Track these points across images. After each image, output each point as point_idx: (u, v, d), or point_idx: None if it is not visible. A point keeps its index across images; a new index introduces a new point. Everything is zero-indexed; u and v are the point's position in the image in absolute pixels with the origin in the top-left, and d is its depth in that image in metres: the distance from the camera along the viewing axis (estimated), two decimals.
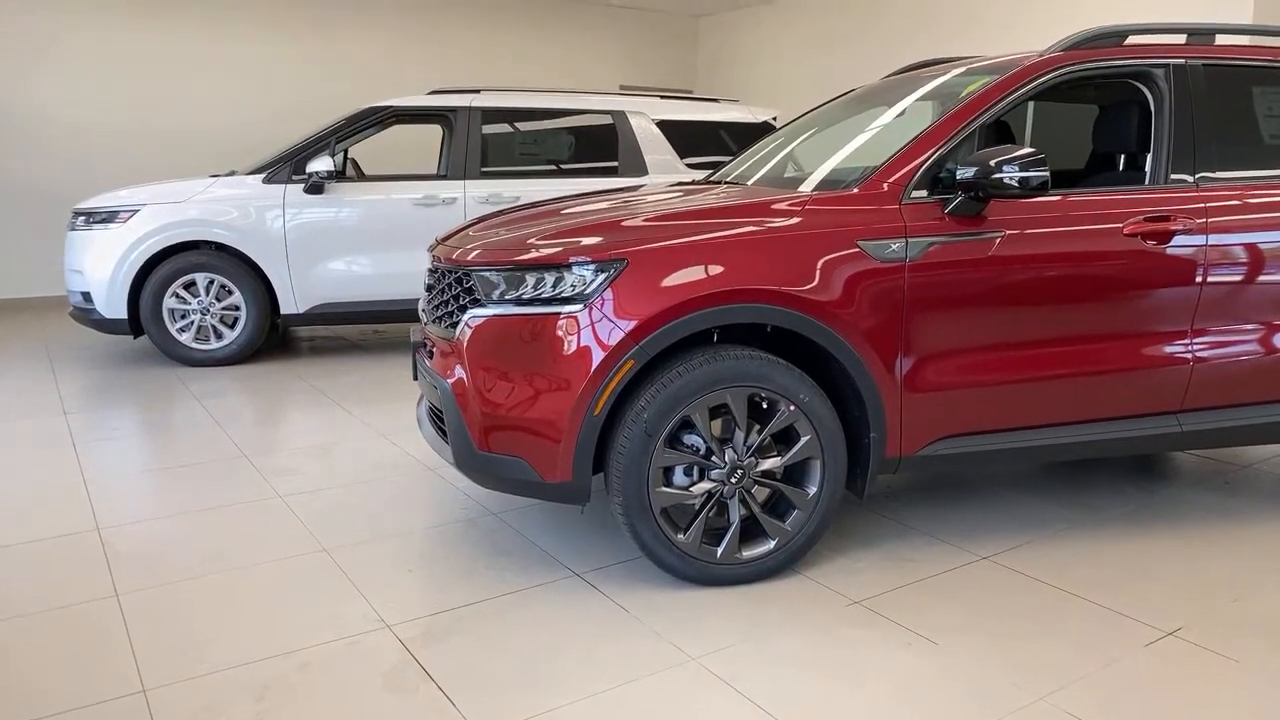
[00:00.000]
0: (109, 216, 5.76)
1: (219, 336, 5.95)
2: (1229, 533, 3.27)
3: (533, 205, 3.52)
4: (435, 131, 8.14)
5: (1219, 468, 4.00)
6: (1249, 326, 3.16)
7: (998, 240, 2.86)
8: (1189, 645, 2.49)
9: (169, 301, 5.81)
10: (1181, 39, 3.27)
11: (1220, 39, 3.37)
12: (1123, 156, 3.94)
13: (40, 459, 4.02)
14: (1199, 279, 3.06)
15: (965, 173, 2.78)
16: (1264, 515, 3.43)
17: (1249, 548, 3.14)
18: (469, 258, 2.83)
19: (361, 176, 6.38)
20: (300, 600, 2.72)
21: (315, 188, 5.90)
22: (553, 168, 6.78)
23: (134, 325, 5.83)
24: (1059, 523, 3.34)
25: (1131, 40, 3.20)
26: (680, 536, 2.72)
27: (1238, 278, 3.12)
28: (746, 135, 7.02)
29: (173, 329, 5.84)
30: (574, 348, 2.60)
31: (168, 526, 3.28)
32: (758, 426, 2.74)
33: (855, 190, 2.85)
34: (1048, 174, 2.75)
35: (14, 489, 3.65)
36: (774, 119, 7.30)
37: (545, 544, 3.14)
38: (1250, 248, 3.11)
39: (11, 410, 4.83)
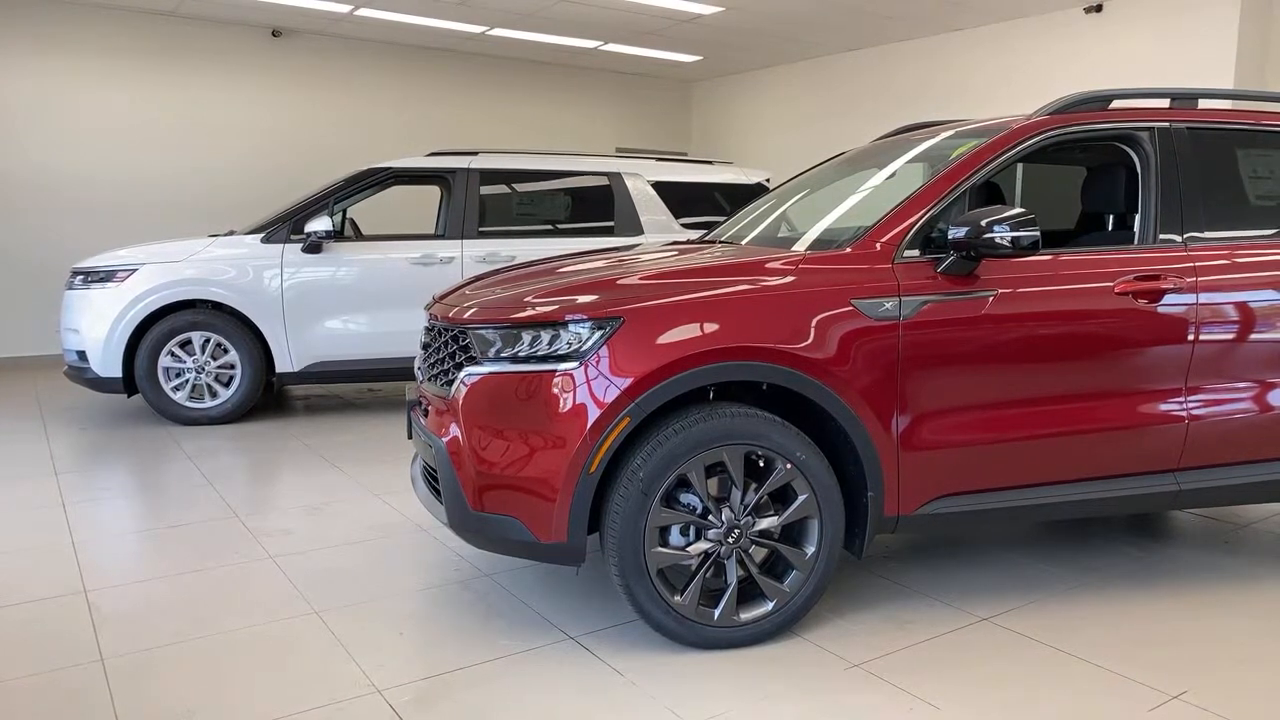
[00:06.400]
0: (107, 276, 5.79)
1: (213, 395, 5.94)
2: (1231, 593, 3.23)
3: (529, 264, 3.55)
4: (433, 192, 8.26)
5: (1218, 527, 3.98)
6: (1243, 384, 3.17)
7: (990, 299, 2.88)
8: (1195, 709, 2.44)
9: (164, 360, 5.81)
10: (1165, 103, 3.35)
11: (1203, 103, 3.44)
12: (1111, 217, 4.00)
13: (29, 520, 3.98)
14: (1191, 337, 3.08)
15: (957, 232, 2.81)
16: (1265, 575, 3.40)
17: (1252, 608, 3.10)
18: (465, 316, 2.85)
19: (360, 236, 6.44)
20: (290, 664, 2.67)
21: (313, 247, 5.95)
22: (549, 228, 6.85)
23: (128, 384, 5.82)
24: (1058, 583, 3.30)
25: (1116, 104, 3.28)
26: (677, 598, 2.68)
27: (1230, 336, 3.14)
28: (740, 196, 7.12)
29: (167, 387, 5.83)
30: (569, 405, 2.60)
31: (156, 588, 3.23)
32: (755, 485, 2.72)
33: (848, 250, 2.89)
34: (1038, 234, 2.79)
35: (1, 550, 3.60)
36: (767, 180, 7.42)
37: (539, 606, 3.09)
38: (1241, 306, 3.14)
39: (2, 470, 4.79)
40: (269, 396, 6.83)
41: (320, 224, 5.90)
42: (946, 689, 2.53)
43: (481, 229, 6.41)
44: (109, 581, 3.28)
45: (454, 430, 2.76)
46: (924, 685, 2.55)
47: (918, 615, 3.02)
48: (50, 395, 6.98)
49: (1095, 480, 3.07)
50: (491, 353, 2.73)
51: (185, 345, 5.86)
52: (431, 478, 3.01)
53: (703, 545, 2.69)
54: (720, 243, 3.61)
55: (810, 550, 2.77)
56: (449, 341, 2.93)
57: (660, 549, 2.66)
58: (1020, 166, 7.18)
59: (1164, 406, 3.09)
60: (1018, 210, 2.79)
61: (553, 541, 2.63)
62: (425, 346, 3.17)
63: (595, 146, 11.61)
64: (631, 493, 2.59)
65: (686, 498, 2.70)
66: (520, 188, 6.93)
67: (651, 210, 6.78)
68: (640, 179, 6.84)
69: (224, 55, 9.32)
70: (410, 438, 3.33)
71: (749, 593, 2.77)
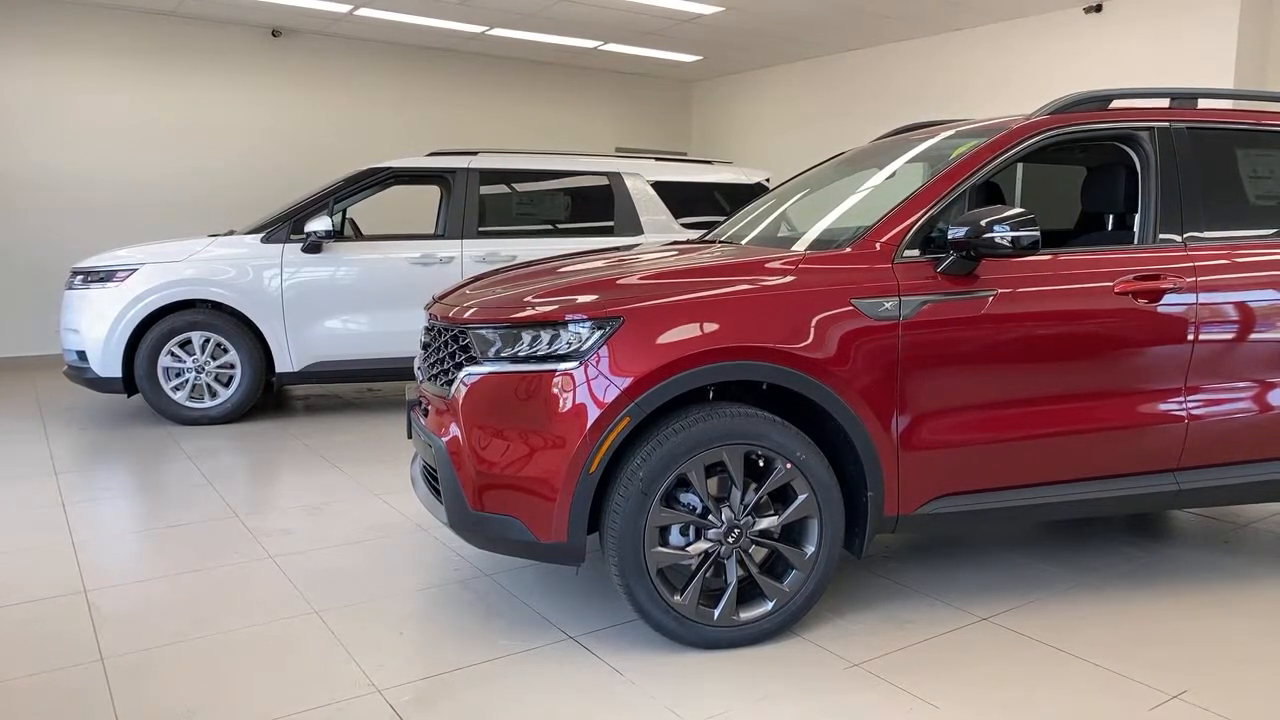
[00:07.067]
0: (107, 276, 5.79)
1: (213, 395, 5.94)
2: (1231, 592, 3.23)
3: (529, 264, 3.55)
4: (433, 191, 8.26)
5: (1218, 526, 3.98)
6: (1243, 384, 3.17)
7: (990, 299, 2.88)
8: (1195, 709, 2.44)
9: (164, 360, 5.81)
10: (1165, 103, 3.35)
11: (1203, 103, 3.44)
12: (1111, 217, 4.00)
13: (29, 520, 3.98)
14: (1190, 337, 3.08)
15: (957, 232, 2.81)
16: (1265, 574, 3.40)
17: (1251, 607, 3.10)
18: (465, 315, 2.85)
19: (359, 236, 6.44)
20: (290, 663, 2.67)
21: (313, 247, 5.95)
22: (549, 227, 6.85)
23: (128, 384, 5.82)
24: (1058, 583, 3.30)
25: (1116, 104, 3.27)
26: (677, 598, 2.68)
27: (1229, 336, 3.14)
28: (740, 196, 7.12)
29: (167, 387, 5.83)
30: (569, 405, 2.60)
31: (156, 588, 3.23)
32: (754, 485, 2.72)
33: (848, 249, 2.89)
34: (1038, 234, 2.79)
35: (1, 550, 3.60)
36: (767, 180, 7.42)
37: (539, 606, 3.09)
38: (1240, 306, 3.14)
39: (2, 470, 4.79)
40: (269, 396, 6.82)
41: (320, 224, 5.90)
42: (946, 689, 2.53)
43: (481, 229, 6.41)
44: (109, 581, 3.28)
45: (454, 430, 2.76)
46: (924, 685, 2.55)
47: (918, 615, 3.02)
48: (50, 395, 6.98)
49: (1095, 480, 3.07)
50: (491, 352, 2.73)
51: (185, 345, 5.86)
52: (431, 477, 3.01)
53: (702, 545, 2.69)
54: (720, 243, 3.61)
55: (810, 550, 2.77)
56: (449, 341, 2.93)
57: (660, 549, 2.66)
58: (1020, 166, 7.18)
59: (1164, 406, 3.09)
60: (1018, 210, 2.79)
61: (552, 541, 2.63)
62: (425, 346, 3.18)
63: (595, 146, 11.61)
64: (631, 492, 2.59)
65: (686, 497, 2.70)
66: (520, 188, 6.93)
67: (651, 210, 6.78)
68: (640, 179, 6.84)
69: (224, 55, 9.32)
70: (410, 438, 3.33)
71: (749, 592, 2.77)
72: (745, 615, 2.75)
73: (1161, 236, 3.15)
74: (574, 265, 3.27)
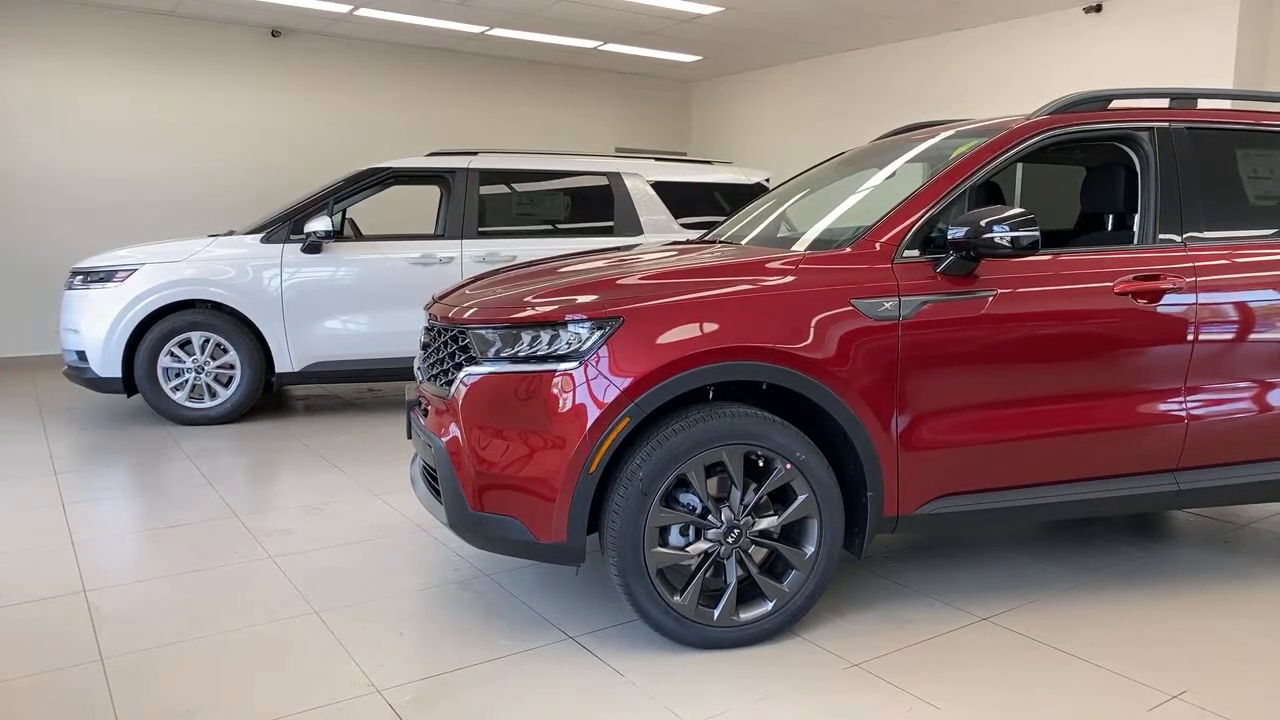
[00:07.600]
0: (107, 276, 5.79)
1: (213, 395, 5.94)
2: (1231, 592, 3.23)
3: (529, 264, 3.54)
4: (433, 191, 8.26)
5: (1217, 526, 3.98)
6: (1243, 384, 3.17)
7: (990, 299, 2.88)
8: (1195, 709, 2.44)
9: (164, 360, 5.81)
10: (1165, 103, 3.35)
11: (1203, 103, 3.44)
12: (1111, 217, 4.00)
13: (29, 520, 3.98)
14: (1190, 337, 3.08)
15: (956, 232, 2.81)
16: (1265, 574, 3.40)
17: (1251, 607, 3.10)
18: (465, 316, 2.85)
19: (359, 236, 6.43)
20: (290, 664, 2.67)
21: (313, 247, 5.95)
22: (549, 228, 6.85)
23: (128, 384, 5.82)
24: (1058, 583, 3.31)
25: (1116, 104, 3.28)
26: (676, 598, 2.68)
27: (1229, 336, 3.14)
28: (740, 196, 7.12)
29: (167, 388, 5.83)
30: (569, 405, 2.60)
31: (156, 588, 3.23)
32: (754, 485, 2.72)
33: (848, 250, 2.89)
34: (1038, 234, 2.79)
35: (1, 550, 3.60)
36: (766, 180, 7.42)
37: (539, 606, 3.09)
38: (1240, 306, 3.14)
39: (2, 470, 4.79)
40: (268, 396, 6.83)
41: (320, 224, 5.90)
42: (946, 689, 2.54)
43: (481, 229, 6.41)
44: (109, 581, 3.28)
45: (453, 430, 2.76)
46: (924, 685, 2.55)
47: (918, 615, 3.02)
48: (50, 395, 6.98)
49: (1095, 480, 3.07)
50: (491, 353, 2.73)
51: (185, 345, 5.86)
52: (431, 478, 3.01)
53: (702, 545, 2.69)
54: (720, 243, 3.61)
55: (810, 550, 2.77)
56: (449, 341, 2.94)
57: (660, 549, 2.66)
58: (1020, 166, 7.18)
59: (1163, 406, 3.09)
60: (1017, 210, 2.79)
61: (552, 541, 2.63)
62: (425, 346, 3.18)
63: (595, 146, 11.61)
64: (631, 493, 2.59)
65: (686, 498, 2.70)
66: (520, 188, 6.93)
67: (651, 210, 6.78)
68: (640, 179, 6.84)
69: (224, 55, 9.32)
70: (410, 438, 3.33)
71: (749, 593, 2.77)
72: (745, 615, 2.75)
73: (1161, 237, 3.15)
74: (574, 265, 3.27)
